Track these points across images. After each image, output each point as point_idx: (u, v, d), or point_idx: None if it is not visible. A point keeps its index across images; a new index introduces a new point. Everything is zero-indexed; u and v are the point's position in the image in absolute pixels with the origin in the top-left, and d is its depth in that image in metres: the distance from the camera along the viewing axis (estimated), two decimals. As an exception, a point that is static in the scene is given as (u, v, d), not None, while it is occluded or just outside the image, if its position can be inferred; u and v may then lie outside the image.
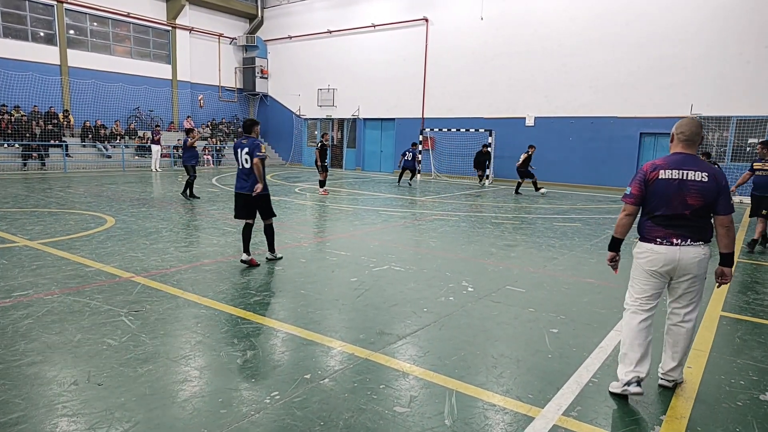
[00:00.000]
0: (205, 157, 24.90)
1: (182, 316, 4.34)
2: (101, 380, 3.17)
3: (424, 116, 23.16)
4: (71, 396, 2.97)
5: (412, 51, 23.13)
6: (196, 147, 12.96)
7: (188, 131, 12.97)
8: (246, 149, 6.04)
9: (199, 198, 12.25)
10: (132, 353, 3.56)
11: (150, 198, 12.16)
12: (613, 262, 3.54)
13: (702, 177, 3.10)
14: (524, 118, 20.38)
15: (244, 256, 6.15)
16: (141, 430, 2.65)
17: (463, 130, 20.82)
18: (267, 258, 6.47)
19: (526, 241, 8.31)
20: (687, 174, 3.12)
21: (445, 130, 21.39)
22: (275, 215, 6.48)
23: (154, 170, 20.32)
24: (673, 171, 3.15)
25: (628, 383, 3.18)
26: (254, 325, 4.21)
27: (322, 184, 14.63)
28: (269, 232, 6.40)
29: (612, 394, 3.27)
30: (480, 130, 20.27)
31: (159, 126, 23.40)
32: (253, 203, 6.14)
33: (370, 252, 7.10)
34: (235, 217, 6.35)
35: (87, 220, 8.73)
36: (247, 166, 6.05)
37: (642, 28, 17.52)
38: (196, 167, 12.70)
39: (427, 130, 22.10)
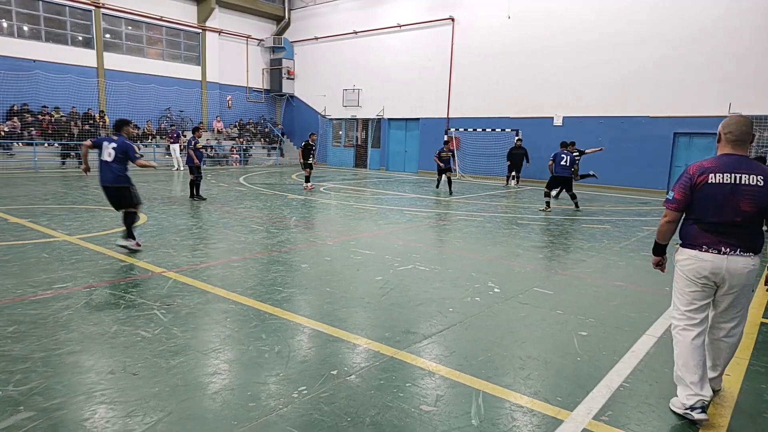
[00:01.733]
0: (232, 156, 25.31)
1: (212, 310, 4.43)
2: (136, 370, 3.26)
3: (449, 116, 23.07)
4: (108, 384, 3.07)
5: (437, 50, 23.07)
6: (201, 147, 12.67)
7: (195, 130, 12.63)
8: (114, 145, 6.31)
9: (205, 199, 11.93)
10: (164, 345, 3.66)
11: (179, 196, 12.43)
12: (660, 266, 3.39)
13: (757, 181, 2.88)
14: (552, 117, 20.12)
15: (130, 243, 6.44)
16: (173, 420, 2.72)
17: (489, 130, 20.66)
18: (117, 244, 6.54)
19: (553, 243, 8.21)
20: (740, 178, 2.90)
21: (471, 130, 21.26)
22: (138, 203, 6.63)
23: (176, 169, 20.62)
24: (725, 175, 2.92)
25: (692, 408, 2.96)
26: (281, 321, 4.27)
27: (307, 179, 15.11)
28: (128, 219, 6.53)
29: (672, 411, 3.07)
30: (506, 130, 20.09)
31: (175, 126, 23.79)
32: (112, 194, 6.42)
33: (395, 251, 7.12)
34: (116, 209, 6.61)
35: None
36: (109, 159, 6.30)
37: (675, 22, 17.08)
38: (201, 167, 12.31)
39: (452, 130, 22.01)
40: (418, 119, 24.42)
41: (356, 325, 4.26)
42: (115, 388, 3.04)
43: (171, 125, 24.01)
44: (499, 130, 20.37)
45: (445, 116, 23.16)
